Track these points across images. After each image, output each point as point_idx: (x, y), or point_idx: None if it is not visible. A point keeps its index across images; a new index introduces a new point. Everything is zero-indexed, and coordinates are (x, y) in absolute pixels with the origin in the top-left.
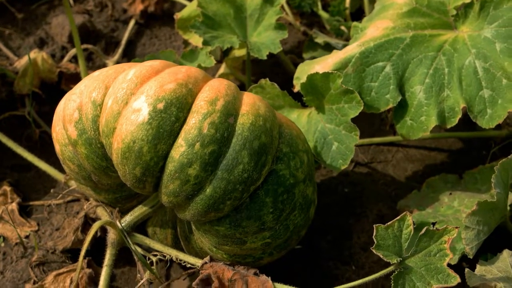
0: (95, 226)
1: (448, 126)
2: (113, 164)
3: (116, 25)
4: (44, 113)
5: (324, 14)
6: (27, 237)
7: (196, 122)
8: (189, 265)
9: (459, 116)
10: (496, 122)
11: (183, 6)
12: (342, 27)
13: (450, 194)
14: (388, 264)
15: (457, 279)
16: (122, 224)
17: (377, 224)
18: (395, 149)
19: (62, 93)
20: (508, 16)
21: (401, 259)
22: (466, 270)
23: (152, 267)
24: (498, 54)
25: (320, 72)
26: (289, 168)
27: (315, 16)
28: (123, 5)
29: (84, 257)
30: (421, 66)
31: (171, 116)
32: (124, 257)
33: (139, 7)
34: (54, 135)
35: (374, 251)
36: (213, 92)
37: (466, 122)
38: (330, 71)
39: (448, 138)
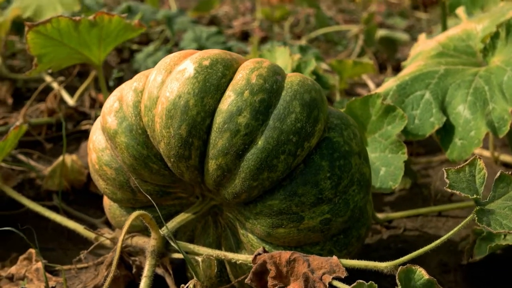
0: (133, 216)
1: (501, 136)
2: (154, 154)
3: None
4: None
5: None
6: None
7: (243, 75)
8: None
9: (510, 122)
10: None
11: None
12: None
13: None
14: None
15: None
16: (164, 231)
17: (446, 168)
18: (445, 219)
19: (91, 195)
20: None
21: (479, 196)
22: None
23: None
24: None
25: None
26: (342, 136)
27: None
28: None
29: None
30: (460, 88)
31: (217, 72)
32: None
33: None
34: (90, 145)
35: (448, 190)
36: (258, 59)
37: None
38: (369, 94)
39: None
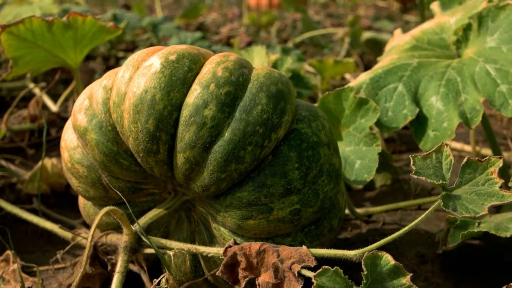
0: (102, 211)
1: (473, 126)
2: (124, 150)
3: None
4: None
5: None
6: None
7: (209, 69)
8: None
9: (482, 112)
10: None
11: None
12: None
13: None
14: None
15: None
16: (135, 227)
17: (413, 155)
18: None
19: (71, 198)
20: (506, 23)
21: (445, 182)
22: None
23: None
24: (506, 54)
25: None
26: (311, 127)
27: None
28: None
29: None
30: (433, 80)
31: (183, 66)
32: None
33: None
34: (62, 144)
35: (414, 176)
36: (225, 53)
37: None
38: (341, 88)
39: None
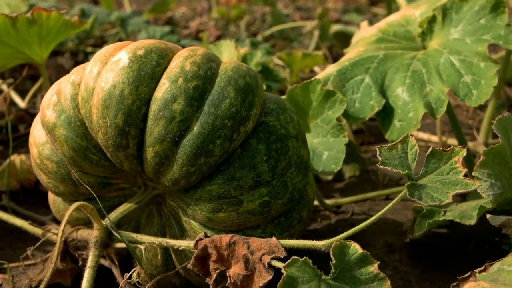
0: (73, 206)
1: (438, 116)
2: (94, 145)
3: None
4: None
5: None
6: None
7: (177, 63)
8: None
9: (446, 102)
10: (484, 99)
11: None
12: None
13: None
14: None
15: (476, 184)
16: (106, 222)
17: (379, 145)
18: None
19: (41, 194)
20: (470, 15)
21: (411, 172)
22: (488, 215)
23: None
24: (470, 45)
25: None
26: (279, 120)
27: None
28: None
29: None
30: (399, 72)
31: (151, 61)
32: None
33: None
34: (31, 140)
35: (380, 166)
36: (193, 47)
37: None
38: (309, 80)
39: None
